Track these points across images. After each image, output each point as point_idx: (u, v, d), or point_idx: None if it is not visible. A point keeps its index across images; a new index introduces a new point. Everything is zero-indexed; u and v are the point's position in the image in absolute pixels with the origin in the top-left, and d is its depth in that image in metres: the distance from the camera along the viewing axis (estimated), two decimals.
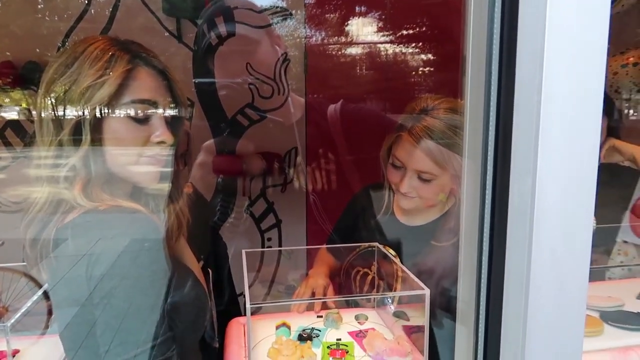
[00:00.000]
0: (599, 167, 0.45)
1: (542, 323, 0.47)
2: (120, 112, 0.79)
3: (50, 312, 1.00)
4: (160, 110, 0.83)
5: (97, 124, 0.78)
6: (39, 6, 2.26)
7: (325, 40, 2.48)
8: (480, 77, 0.47)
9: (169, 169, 0.87)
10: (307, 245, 2.56)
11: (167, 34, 2.31)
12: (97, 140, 0.78)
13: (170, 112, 0.85)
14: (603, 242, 1.54)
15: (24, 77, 2.22)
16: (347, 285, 1.21)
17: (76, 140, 0.78)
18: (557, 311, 0.48)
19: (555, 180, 0.43)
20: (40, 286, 0.98)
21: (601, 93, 0.42)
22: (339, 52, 2.52)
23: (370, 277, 1.15)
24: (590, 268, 0.50)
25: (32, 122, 2.28)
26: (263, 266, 2.19)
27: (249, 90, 2.37)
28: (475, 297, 0.53)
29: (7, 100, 2.34)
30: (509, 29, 0.44)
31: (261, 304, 0.93)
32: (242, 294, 1.24)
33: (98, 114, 0.77)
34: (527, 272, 0.46)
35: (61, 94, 0.77)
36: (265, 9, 2.32)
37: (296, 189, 2.46)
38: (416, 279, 0.91)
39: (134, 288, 0.74)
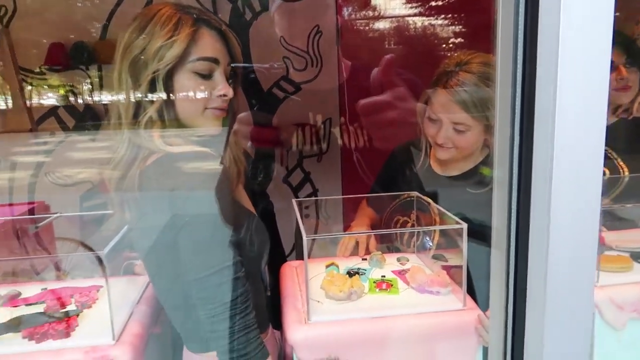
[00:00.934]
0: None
1: (562, 245, 0.55)
2: (187, 69, 0.89)
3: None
4: (221, 67, 0.93)
5: (168, 80, 0.88)
6: None
7: (357, 14, 2.53)
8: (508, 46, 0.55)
9: (227, 121, 0.98)
10: (343, 214, 2.64)
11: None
12: (169, 93, 0.89)
13: (229, 69, 0.95)
14: None
15: (73, 57, 2.34)
16: (388, 234, 1.29)
17: (151, 94, 0.89)
18: (573, 241, 0.55)
19: (571, 129, 0.51)
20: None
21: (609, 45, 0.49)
22: (371, 25, 2.56)
23: (410, 225, 1.23)
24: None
25: (83, 101, 2.43)
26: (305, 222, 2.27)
27: (283, 63, 2.46)
28: (507, 225, 0.61)
29: (56, 81, 2.48)
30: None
31: (316, 236, 1.03)
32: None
33: (169, 70, 0.88)
34: (548, 208, 0.54)
35: (137, 54, 0.88)
36: None
37: (332, 158, 2.55)
38: (453, 217, 0.99)
39: (208, 220, 0.85)
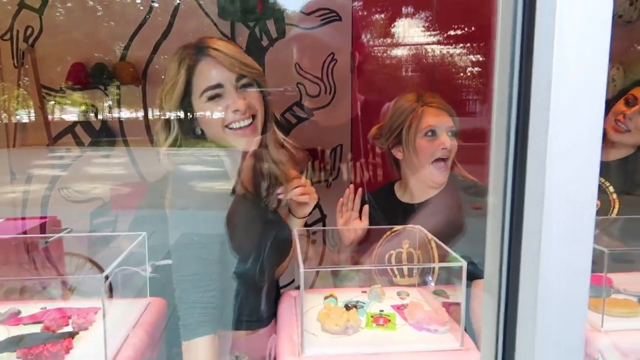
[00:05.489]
0: None
1: (552, 295, 0.54)
2: (200, 98, 1.05)
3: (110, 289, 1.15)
4: (227, 87, 1.05)
5: (189, 107, 1.07)
6: (98, 13, 2.46)
7: (371, 42, 2.56)
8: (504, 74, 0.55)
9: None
10: None
11: (219, 36, 2.46)
12: (192, 117, 1.07)
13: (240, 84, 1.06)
14: None
15: (93, 77, 2.41)
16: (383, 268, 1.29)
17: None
18: (565, 288, 0.54)
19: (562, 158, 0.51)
20: (102, 270, 1.12)
21: (604, 74, 0.49)
22: (385, 54, 2.59)
23: (404, 254, 1.23)
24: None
25: (99, 120, 2.49)
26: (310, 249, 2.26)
27: (297, 89, 2.49)
28: (498, 271, 0.60)
29: (76, 99, 2.54)
30: (529, 32, 0.52)
31: (313, 269, 1.02)
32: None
33: (188, 101, 1.06)
34: (538, 251, 0.53)
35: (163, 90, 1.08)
36: (314, 11, 2.43)
37: (341, 185, 2.55)
38: (454, 254, 0.98)
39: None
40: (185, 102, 1.05)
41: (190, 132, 1.08)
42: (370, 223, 1.32)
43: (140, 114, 2.50)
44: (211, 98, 1.04)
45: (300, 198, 1.19)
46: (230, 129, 1.07)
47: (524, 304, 0.57)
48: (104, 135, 2.51)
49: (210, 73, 1.04)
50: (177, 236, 1.05)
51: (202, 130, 1.09)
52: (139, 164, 2.48)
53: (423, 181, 1.33)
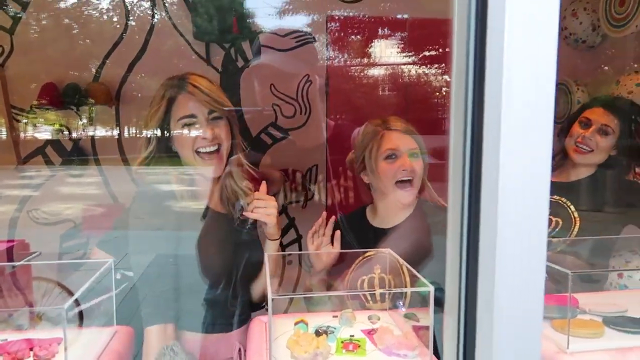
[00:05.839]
0: None
1: (506, 317, 0.55)
2: (177, 125, 1.24)
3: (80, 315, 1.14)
4: (200, 118, 1.23)
5: (166, 131, 1.25)
6: (74, 31, 2.44)
7: (346, 63, 2.60)
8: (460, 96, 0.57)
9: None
10: None
11: (194, 56, 2.46)
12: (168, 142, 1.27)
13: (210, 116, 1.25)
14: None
15: (66, 97, 2.38)
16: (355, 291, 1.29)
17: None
18: (518, 306, 0.56)
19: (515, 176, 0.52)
20: (71, 294, 1.10)
21: (552, 100, 0.51)
22: (359, 74, 2.63)
23: (376, 280, 1.24)
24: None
25: (71, 140, 2.45)
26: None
27: (273, 110, 2.50)
28: (457, 292, 0.61)
29: (47, 119, 2.50)
30: (481, 58, 0.53)
31: (282, 296, 1.02)
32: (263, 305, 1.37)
33: (166, 127, 1.25)
34: (493, 271, 0.54)
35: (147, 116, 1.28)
36: (290, 33, 2.45)
37: (316, 205, 2.56)
38: (423, 279, 0.99)
39: None
40: (165, 124, 1.25)
41: (165, 150, 1.26)
42: (343, 247, 1.32)
43: (115, 132, 2.47)
44: (186, 125, 1.24)
45: (251, 215, 1.27)
46: (198, 153, 1.24)
47: (482, 323, 0.57)
48: (76, 155, 2.47)
49: (187, 105, 1.24)
50: (152, 257, 1.20)
51: (176, 151, 1.27)
52: (111, 183, 2.45)
53: (391, 204, 1.35)
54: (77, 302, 1.04)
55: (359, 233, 1.40)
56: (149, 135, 1.26)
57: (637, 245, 1.52)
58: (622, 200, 1.57)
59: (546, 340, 1.03)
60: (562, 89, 2.36)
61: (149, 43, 2.42)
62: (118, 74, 2.40)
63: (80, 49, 2.45)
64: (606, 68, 2.36)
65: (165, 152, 1.27)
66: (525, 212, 0.54)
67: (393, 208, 1.36)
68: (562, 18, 2.26)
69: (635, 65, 2.14)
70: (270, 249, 1.30)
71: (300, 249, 2.56)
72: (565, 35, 2.29)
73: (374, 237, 1.35)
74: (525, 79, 0.51)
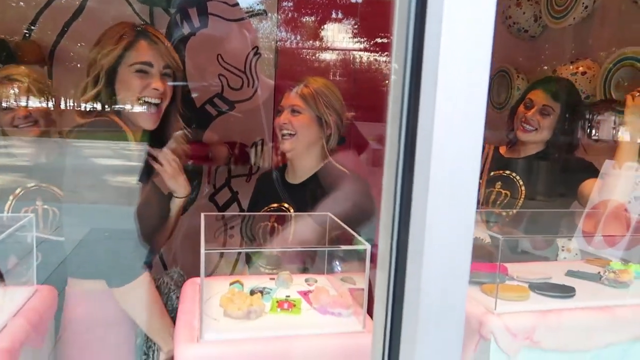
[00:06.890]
0: None
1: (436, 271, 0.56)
2: (129, 69, 1.21)
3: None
4: (155, 69, 1.22)
5: (113, 75, 1.21)
6: None
7: (296, 43, 2.55)
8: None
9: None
10: None
11: (137, 20, 2.33)
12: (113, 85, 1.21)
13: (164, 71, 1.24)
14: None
15: None
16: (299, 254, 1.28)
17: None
18: (446, 263, 0.56)
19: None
20: None
21: (484, 100, 0.52)
22: (309, 55, 2.59)
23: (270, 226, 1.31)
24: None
25: None
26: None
27: (219, 80, 2.43)
28: (389, 248, 0.62)
29: None
30: (418, 55, 0.53)
31: (214, 250, 0.99)
32: None
33: (114, 69, 1.20)
34: (423, 232, 0.55)
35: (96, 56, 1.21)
36: (238, 3, 2.38)
37: None
38: (359, 237, 0.99)
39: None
40: (111, 70, 1.20)
41: (107, 97, 1.21)
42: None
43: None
44: (138, 71, 1.21)
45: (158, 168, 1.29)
46: (144, 101, 1.22)
47: (411, 277, 0.58)
48: None
49: (147, 52, 1.22)
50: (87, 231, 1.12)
51: (115, 100, 1.23)
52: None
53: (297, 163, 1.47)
54: None
55: (271, 187, 1.50)
56: (96, 72, 1.20)
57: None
58: (571, 177, 1.65)
59: (476, 302, 1.07)
60: (504, 76, 2.44)
61: (86, 4, 2.27)
62: (51, 36, 2.24)
63: (11, 12, 2.26)
64: (544, 58, 2.46)
65: (106, 99, 1.22)
66: (456, 176, 0.55)
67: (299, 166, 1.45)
68: (507, 7, 2.32)
69: (571, 56, 2.24)
70: (174, 206, 1.35)
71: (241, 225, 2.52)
72: (509, 24, 2.35)
73: (287, 191, 1.44)
74: (461, 62, 0.52)
